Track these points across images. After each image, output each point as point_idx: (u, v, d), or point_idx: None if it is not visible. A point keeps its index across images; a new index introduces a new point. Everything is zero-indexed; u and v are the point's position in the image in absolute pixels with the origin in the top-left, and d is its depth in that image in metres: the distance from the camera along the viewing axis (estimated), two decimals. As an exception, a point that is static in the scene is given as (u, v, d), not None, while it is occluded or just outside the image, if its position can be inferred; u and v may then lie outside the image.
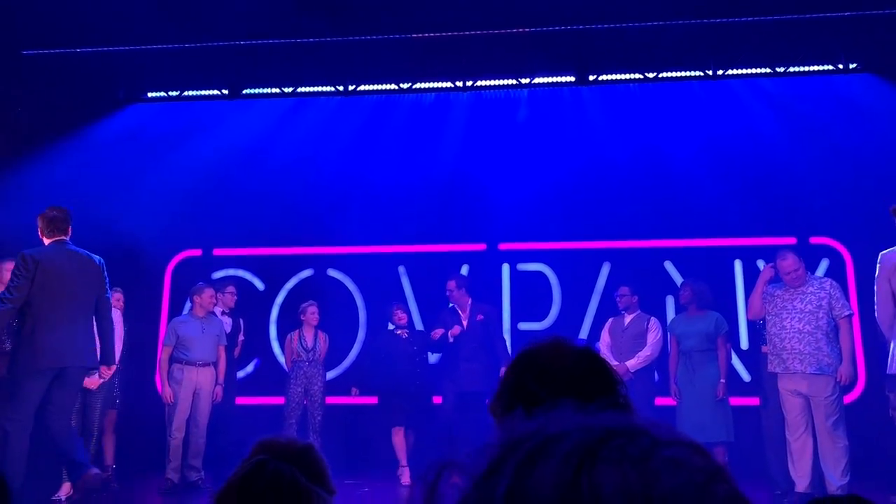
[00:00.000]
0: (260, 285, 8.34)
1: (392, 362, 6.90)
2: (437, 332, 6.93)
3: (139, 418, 7.03)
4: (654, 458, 0.47)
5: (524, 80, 8.23)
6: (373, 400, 7.24)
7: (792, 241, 7.23)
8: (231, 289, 7.43)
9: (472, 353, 6.83)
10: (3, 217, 6.85)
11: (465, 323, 6.98)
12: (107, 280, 5.36)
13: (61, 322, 4.93)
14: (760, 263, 7.51)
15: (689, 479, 0.47)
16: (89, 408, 5.95)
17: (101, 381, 5.97)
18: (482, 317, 6.99)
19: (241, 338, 7.46)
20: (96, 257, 5.36)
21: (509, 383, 1.34)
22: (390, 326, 7.21)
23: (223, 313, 7.29)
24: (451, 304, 7.15)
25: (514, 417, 1.22)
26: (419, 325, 7.66)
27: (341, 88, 8.36)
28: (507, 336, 7.77)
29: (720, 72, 7.87)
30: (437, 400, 6.98)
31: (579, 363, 1.31)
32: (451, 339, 6.90)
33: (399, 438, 6.79)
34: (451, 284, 7.11)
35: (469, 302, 7.07)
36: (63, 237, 5.24)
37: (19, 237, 5.81)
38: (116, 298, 6.55)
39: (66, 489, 5.80)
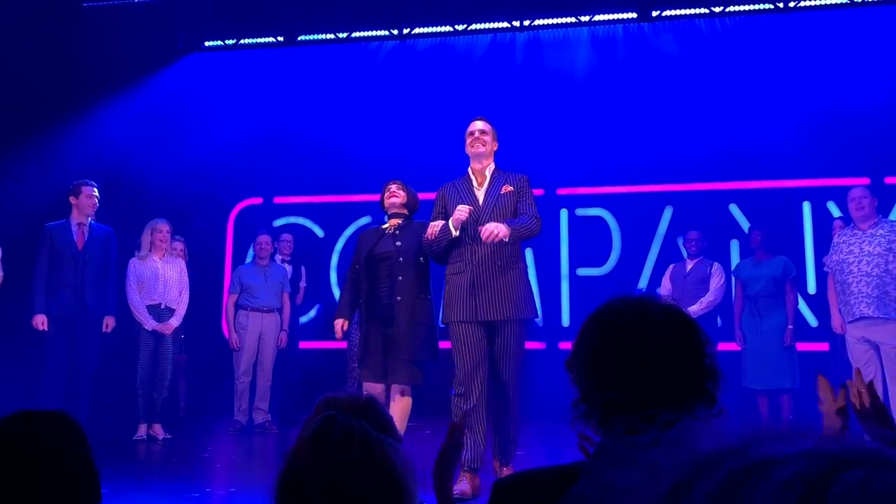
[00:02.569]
0: (320, 232, 8.47)
1: (374, 275, 4.50)
2: (435, 227, 4.21)
3: (208, 363, 7.31)
4: None
5: (584, 18, 8.01)
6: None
7: (865, 181, 6.95)
8: (286, 236, 7.57)
9: (492, 253, 4.15)
10: (71, 165, 7.09)
11: (481, 198, 4.29)
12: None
13: None
14: (831, 205, 7.27)
15: None
16: (161, 353, 6.20)
17: (174, 326, 6.25)
18: (511, 188, 4.28)
19: (303, 284, 7.63)
20: None
21: (590, 340, 1.29)
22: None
23: (283, 261, 7.46)
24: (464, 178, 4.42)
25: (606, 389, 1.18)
26: None
27: (395, 32, 8.29)
28: (565, 283, 7.75)
29: (791, 3, 7.50)
30: (443, 345, 4.39)
31: (667, 321, 1.26)
32: (455, 232, 4.16)
33: None
34: (482, 125, 4.39)
35: (492, 166, 4.40)
36: None
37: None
38: (180, 249, 6.79)
39: (142, 430, 6.13)
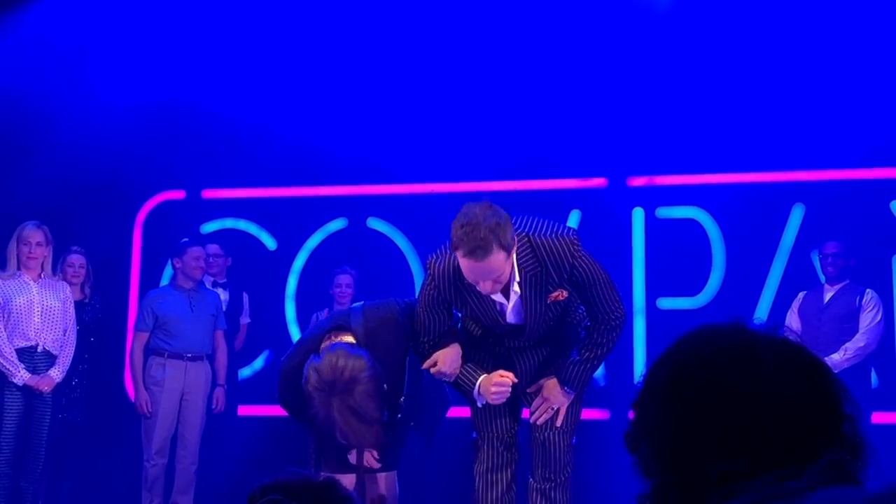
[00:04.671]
0: (271, 243, 8.46)
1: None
2: (444, 368, 4.34)
3: (103, 436, 7.31)
4: None
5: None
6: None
7: None
8: (214, 248, 7.63)
9: (536, 343, 4.43)
10: None
11: (507, 307, 4.25)
12: None
13: None
14: None
15: None
16: (35, 419, 6.22)
17: (56, 381, 6.29)
18: (564, 294, 4.21)
19: (244, 320, 7.66)
20: None
21: (664, 402, 1.26)
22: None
23: (214, 284, 7.48)
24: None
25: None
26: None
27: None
28: (640, 321, 7.72)
29: None
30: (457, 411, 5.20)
31: (783, 366, 1.22)
32: (480, 403, 4.42)
33: None
34: (489, 263, 3.90)
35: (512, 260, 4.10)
36: None
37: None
38: (78, 266, 6.94)
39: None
